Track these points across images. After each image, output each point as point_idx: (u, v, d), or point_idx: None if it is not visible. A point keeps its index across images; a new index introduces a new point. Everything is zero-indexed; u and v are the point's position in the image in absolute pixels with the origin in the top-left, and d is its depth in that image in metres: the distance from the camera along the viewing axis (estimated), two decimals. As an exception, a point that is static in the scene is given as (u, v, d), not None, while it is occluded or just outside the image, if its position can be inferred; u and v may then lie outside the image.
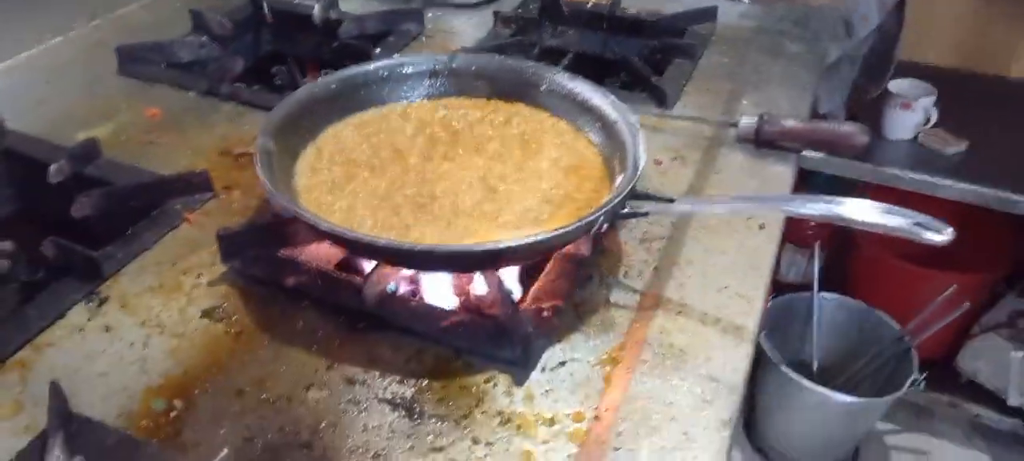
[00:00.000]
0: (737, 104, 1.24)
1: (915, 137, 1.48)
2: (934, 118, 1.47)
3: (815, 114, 1.29)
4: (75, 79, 1.26)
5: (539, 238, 0.77)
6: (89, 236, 0.94)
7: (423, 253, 0.77)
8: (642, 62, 1.31)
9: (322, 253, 0.89)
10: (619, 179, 0.88)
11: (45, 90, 1.23)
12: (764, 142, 1.13)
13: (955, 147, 1.45)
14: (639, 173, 0.84)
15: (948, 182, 1.39)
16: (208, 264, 0.90)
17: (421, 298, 0.84)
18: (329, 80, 1.00)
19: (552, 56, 1.46)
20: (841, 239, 1.89)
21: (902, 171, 1.41)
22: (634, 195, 0.84)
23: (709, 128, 1.16)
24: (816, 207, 0.77)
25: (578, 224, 0.78)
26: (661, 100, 1.22)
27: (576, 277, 0.88)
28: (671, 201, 0.84)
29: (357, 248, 0.82)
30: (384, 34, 1.41)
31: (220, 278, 0.88)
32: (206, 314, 0.83)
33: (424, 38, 1.43)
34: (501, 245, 0.77)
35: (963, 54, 1.76)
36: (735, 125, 1.14)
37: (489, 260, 0.80)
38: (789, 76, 1.32)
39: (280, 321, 0.83)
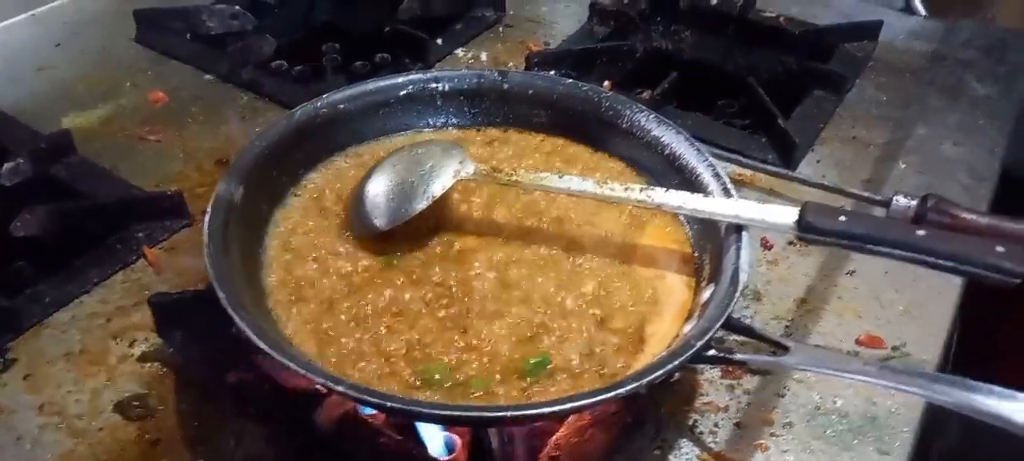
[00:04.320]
0: (891, 168, 0.92)
1: None
2: None
3: (1005, 191, 0.94)
4: (89, 42, 1.09)
5: (555, 408, 0.52)
6: (40, 251, 0.77)
7: (394, 409, 0.53)
8: (768, 91, 1.00)
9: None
10: (705, 294, 0.62)
11: (51, 55, 1.06)
12: (924, 237, 0.81)
13: None
14: (737, 296, 0.57)
15: None
16: (149, 326, 0.70)
17: (394, 435, 0.61)
18: (336, 98, 0.76)
19: (656, 64, 1.17)
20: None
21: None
22: (729, 326, 0.57)
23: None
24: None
25: (626, 388, 0.51)
26: (785, 151, 0.91)
27: (620, 425, 0.62)
28: (784, 350, 0.56)
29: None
30: (452, 18, 1.16)
31: (156, 352, 0.68)
32: (120, 407, 0.63)
33: (502, 28, 1.17)
34: (505, 413, 0.53)
35: None
36: (886, 205, 0.82)
37: (489, 423, 0.56)
38: (972, 131, 0.97)
39: (213, 432, 0.62)
